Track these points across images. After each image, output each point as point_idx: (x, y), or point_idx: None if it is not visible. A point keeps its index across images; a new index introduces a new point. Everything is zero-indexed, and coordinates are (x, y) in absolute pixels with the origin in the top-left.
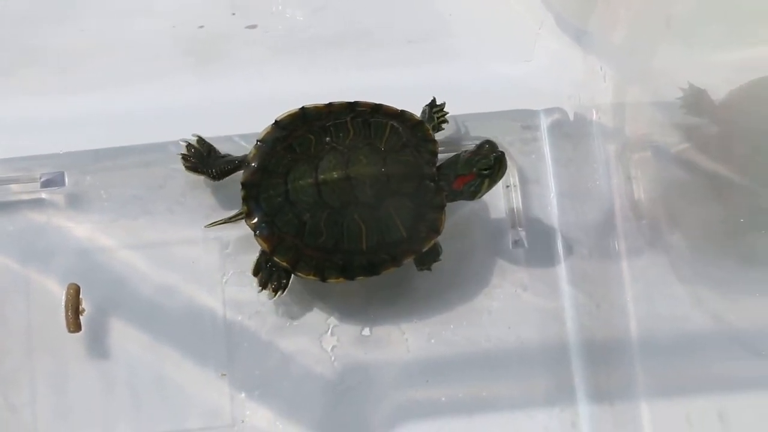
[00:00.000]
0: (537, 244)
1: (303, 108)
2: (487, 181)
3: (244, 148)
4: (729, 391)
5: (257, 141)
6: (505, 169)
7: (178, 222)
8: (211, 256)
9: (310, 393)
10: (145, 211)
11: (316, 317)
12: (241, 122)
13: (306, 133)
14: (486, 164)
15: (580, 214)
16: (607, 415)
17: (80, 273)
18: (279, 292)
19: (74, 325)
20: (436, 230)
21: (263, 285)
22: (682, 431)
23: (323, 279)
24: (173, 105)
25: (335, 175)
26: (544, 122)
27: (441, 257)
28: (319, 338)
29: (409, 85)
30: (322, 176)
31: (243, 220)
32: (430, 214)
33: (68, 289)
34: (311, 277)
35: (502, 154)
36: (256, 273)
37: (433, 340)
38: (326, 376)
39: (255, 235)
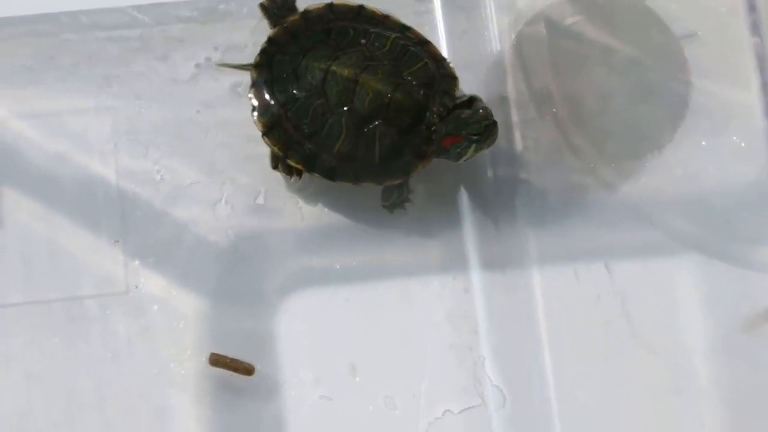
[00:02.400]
0: None
1: (361, 6)
2: (473, 147)
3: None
4: (617, 251)
5: (304, 9)
6: (495, 138)
7: (70, 91)
8: (103, 126)
9: (204, 262)
10: (36, 81)
11: (210, 187)
12: None
13: (348, 26)
14: (476, 129)
15: (473, 85)
16: (498, 281)
17: None
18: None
19: None
20: (407, 173)
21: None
22: (571, 286)
23: (285, 156)
24: None
25: (345, 73)
26: None
27: (406, 208)
28: (213, 207)
29: None
30: (334, 67)
31: (250, 70)
32: (408, 156)
33: None
34: (275, 149)
35: (494, 123)
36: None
37: (327, 209)
38: (220, 245)
39: (250, 86)
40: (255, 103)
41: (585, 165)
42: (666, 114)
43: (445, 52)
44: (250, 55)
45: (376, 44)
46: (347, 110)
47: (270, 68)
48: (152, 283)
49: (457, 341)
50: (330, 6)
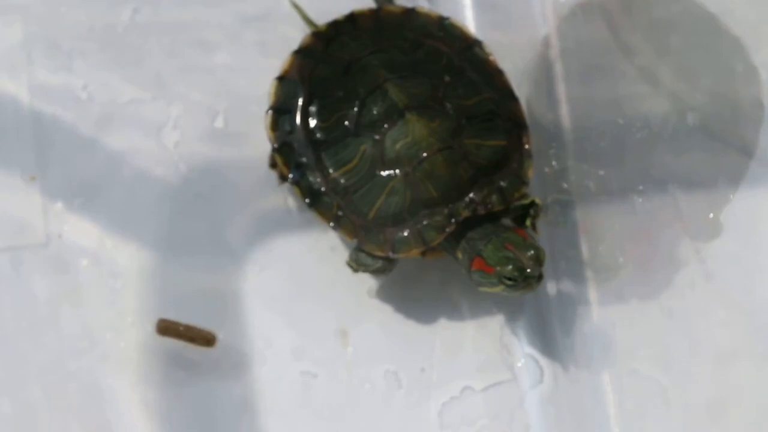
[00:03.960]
0: None
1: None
2: (502, 288)
3: None
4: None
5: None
6: (529, 291)
7: None
8: (11, 31)
9: (148, 201)
10: None
11: (154, 106)
12: None
13: (443, 50)
14: (514, 275)
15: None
16: None
17: None
18: None
19: None
20: (394, 251)
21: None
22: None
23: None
24: None
25: (398, 97)
26: None
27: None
28: (158, 133)
29: None
30: (392, 83)
31: (312, 30)
32: (409, 235)
33: None
34: (283, 169)
35: (539, 278)
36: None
37: None
38: (168, 181)
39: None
40: (287, 68)
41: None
42: None
43: None
44: None
45: (460, 91)
46: (374, 140)
47: (325, 42)
48: (80, 230)
49: (477, 297)
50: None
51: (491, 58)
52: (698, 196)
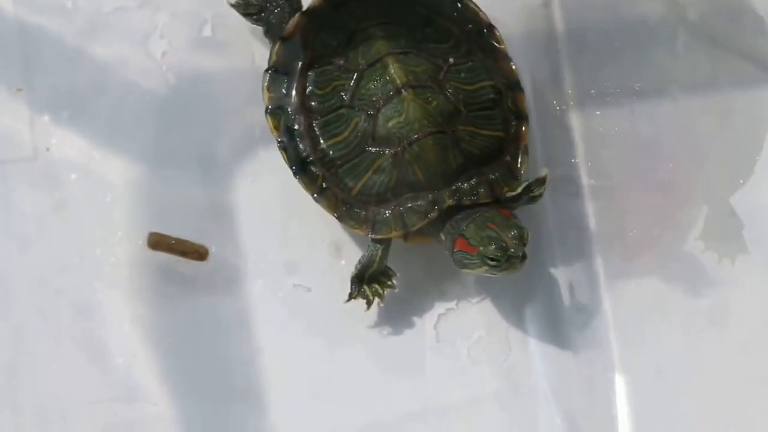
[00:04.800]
0: None
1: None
2: (485, 269)
3: None
4: None
5: None
6: (514, 272)
7: None
8: None
9: (137, 113)
10: None
11: (140, 15)
12: None
13: (452, 30)
14: (497, 255)
15: None
16: None
17: None
18: None
19: None
20: (373, 231)
21: None
22: None
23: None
24: None
25: (397, 73)
26: None
27: (368, 304)
28: (145, 42)
29: None
30: (394, 57)
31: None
32: (390, 217)
33: None
34: (274, 132)
35: (522, 258)
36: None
37: None
38: (157, 91)
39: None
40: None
41: None
42: None
43: None
44: None
45: (463, 75)
46: (367, 114)
47: (334, 9)
48: (68, 144)
49: None
50: None
51: (502, 46)
52: (699, 99)
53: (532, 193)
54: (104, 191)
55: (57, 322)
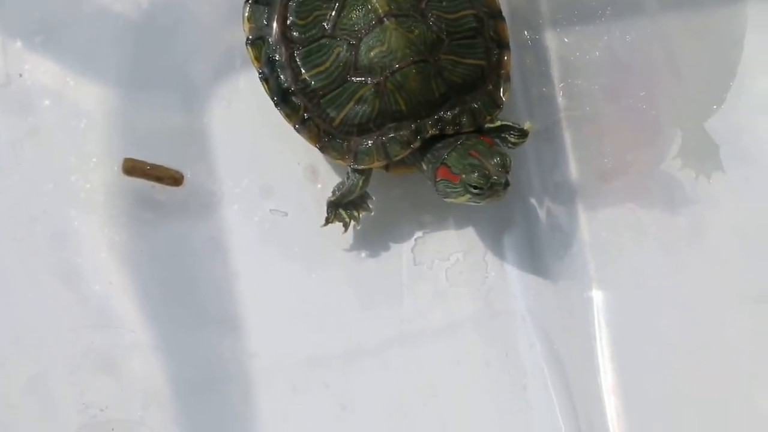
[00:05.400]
0: None
1: None
2: (468, 197)
3: None
4: None
5: None
6: (497, 199)
7: None
8: None
9: (110, 37)
10: None
11: None
12: None
13: None
14: (479, 182)
15: None
16: None
17: None
18: None
19: None
20: (356, 161)
21: None
22: None
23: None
24: None
25: (378, 3)
26: None
27: (345, 227)
28: None
29: None
30: (381, 7)
31: None
32: (373, 147)
33: None
34: (255, 63)
35: (505, 185)
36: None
37: None
38: (130, 15)
39: None
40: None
41: None
42: None
43: None
44: None
45: (444, 4)
46: (349, 44)
47: None
48: (41, 69)
49: None
50: None
51: None
52: (675, 15)
53: (512, 139)
54: (78, 117)
55: (33, 249)
